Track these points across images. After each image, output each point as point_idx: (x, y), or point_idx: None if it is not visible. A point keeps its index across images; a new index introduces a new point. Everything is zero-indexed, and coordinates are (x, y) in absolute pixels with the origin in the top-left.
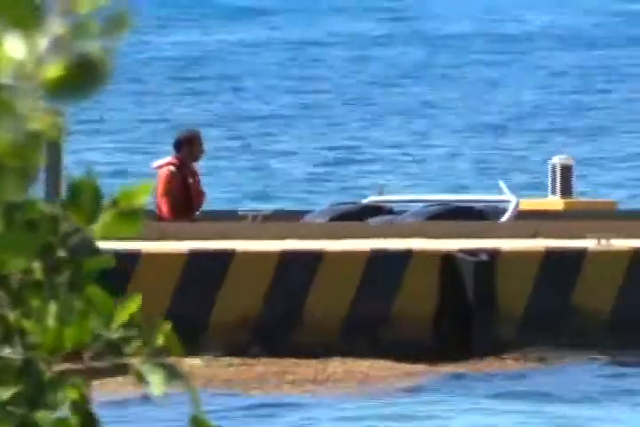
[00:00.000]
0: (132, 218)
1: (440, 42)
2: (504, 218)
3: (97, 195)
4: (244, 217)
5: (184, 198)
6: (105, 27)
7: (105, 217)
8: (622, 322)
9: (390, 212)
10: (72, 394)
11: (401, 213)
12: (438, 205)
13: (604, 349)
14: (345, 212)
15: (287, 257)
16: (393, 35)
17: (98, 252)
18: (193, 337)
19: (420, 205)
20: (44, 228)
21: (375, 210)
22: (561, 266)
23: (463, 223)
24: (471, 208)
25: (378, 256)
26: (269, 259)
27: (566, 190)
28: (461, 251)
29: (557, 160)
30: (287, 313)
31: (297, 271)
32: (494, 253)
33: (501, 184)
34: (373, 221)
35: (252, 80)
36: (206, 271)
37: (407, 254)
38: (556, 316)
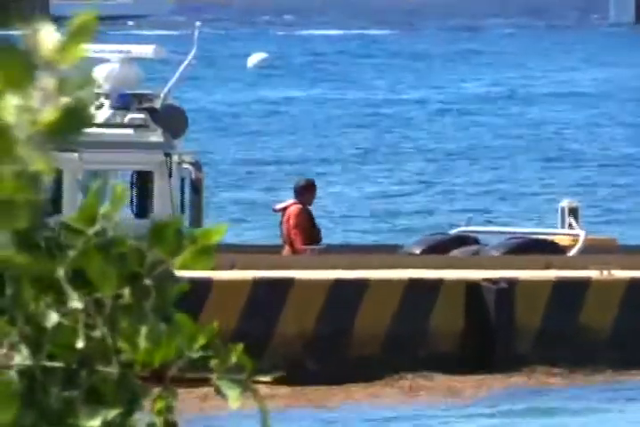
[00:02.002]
0: (207, 254)
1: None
2: (574, 250)
3: (179, 233)
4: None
5: (311, 232)
6: (83, 80)
7: (185, 252)
8: (620, 338)
9: (476, 242)
10: (159, 404)
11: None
12: (518, 238)
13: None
14: (436, 242)
15: (338, 284)
16: None
17: (178, 281)
18: (256, 353)
19: (502, 236)
20: (132, 260)
21: (463, 240)
22: (569, 293)
23: (487, 256)
24: (546, 241)
25: (414, 284)
26: (323, 286)
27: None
28: (485, 280)
29: (566, 203)
30: (337, 331)
31: (346, 296)
32: (513, 282)
33: (571, 220)
34: (460, 250)
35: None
36: (269, 296)
37: (439, 283)
38: (564, 334)
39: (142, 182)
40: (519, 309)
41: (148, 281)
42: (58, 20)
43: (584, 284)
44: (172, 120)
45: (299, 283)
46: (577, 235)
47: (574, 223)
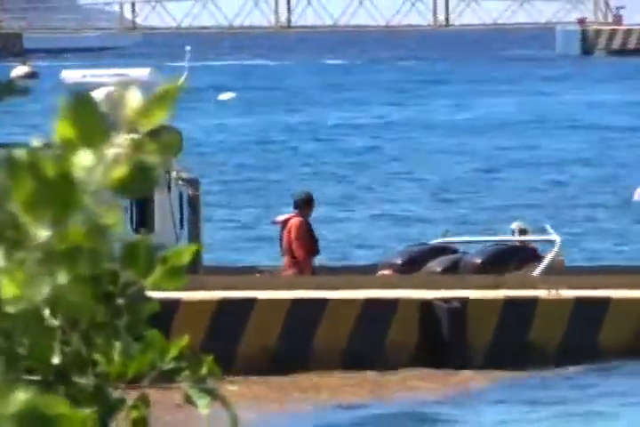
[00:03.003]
0: (178, 274)
1: None
2: (550, 255)
3: (150, 253)
4: (262, 271)
5: (311, 244)
6: (158, 144)
7: (155, 272)
8: (567, 354)
9: (455, 251)
10: (134, 414)
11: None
12: (497, 245)
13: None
14: (417, 252)
15: (297, 304)
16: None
17: (149, 300)
18: (221, 368)
19: (480, 245)
20: (105, 280)
21: (442, 250)
22: (517, 311)
23: (440, 276)
24: (526, 247)
25: (371, 303)
26: (283, 305)
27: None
28: (438, 299)
29: (515, 226)
30: (297, 348)
31: (305, 315)
32: (465, 301)
33: (547, 227)
34: (442, 259)
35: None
36: (233, 315)
37: (394, 302)
38: (513, 350)
39: (137, 199)
40: (471, 327)
41: (120, 301)
42: (30, 53)
43: (532, 303)
44: (167, 139)
45: (261, 302)
46: (553, 240)
47: (549, 229)
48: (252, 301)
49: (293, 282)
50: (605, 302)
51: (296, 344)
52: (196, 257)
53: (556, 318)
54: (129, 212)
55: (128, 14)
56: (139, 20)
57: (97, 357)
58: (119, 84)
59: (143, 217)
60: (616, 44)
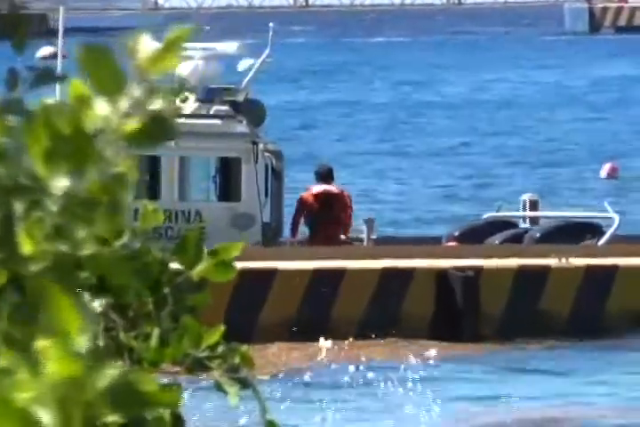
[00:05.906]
0: (226, 267)
1: None
2: (609, 232)
3: (200, 245)
4: (284, 242)
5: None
6: (170, 90)
7: (204, 264)
8: (577, 321)
9: (516, 226)
10: (169, 398)
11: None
12: (562, 220)
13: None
14: (478, 226)
15: (317, 274)
16: None
17: (196, 291)
18: (243, 338)
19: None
20: (155, 269)
21: (504, 224)
22: (530, 279)
23: (457, 246)
24: (591, 223)
25: (389, 272)
26: (304, 275)
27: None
28: (453, 268)
29: (527, 197)
30: (317, 318)
31: (324, 284)
32: (478, 270)
33: (606, 204)
34: (503, 234)
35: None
36: (253, 285)
37: (411, 271)
38: (526, 318)
39: (225, 169)
40: (484, 294)
41: (166, 290)
42: (55, 34)
43: (544, 271)
44: (253, 111)
45: (282, 273)
46: (611, 218)
47: (608, 207)
48: (273, 271)
49: (313, 252)
50: (614, 269)
51: (315, 314)
52: (278, 230)
53: (566, 286)
54: (216, 182)
55: None
56: (160, 1)
57: (134, 343)
58: (206, 58)
59: (230, 187)
60: (622, 20)
